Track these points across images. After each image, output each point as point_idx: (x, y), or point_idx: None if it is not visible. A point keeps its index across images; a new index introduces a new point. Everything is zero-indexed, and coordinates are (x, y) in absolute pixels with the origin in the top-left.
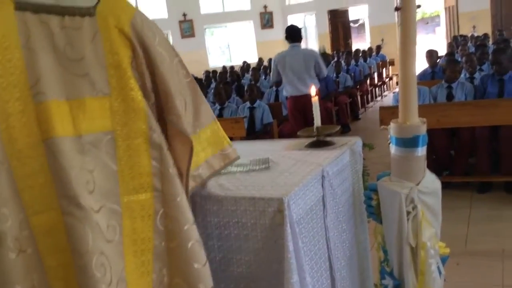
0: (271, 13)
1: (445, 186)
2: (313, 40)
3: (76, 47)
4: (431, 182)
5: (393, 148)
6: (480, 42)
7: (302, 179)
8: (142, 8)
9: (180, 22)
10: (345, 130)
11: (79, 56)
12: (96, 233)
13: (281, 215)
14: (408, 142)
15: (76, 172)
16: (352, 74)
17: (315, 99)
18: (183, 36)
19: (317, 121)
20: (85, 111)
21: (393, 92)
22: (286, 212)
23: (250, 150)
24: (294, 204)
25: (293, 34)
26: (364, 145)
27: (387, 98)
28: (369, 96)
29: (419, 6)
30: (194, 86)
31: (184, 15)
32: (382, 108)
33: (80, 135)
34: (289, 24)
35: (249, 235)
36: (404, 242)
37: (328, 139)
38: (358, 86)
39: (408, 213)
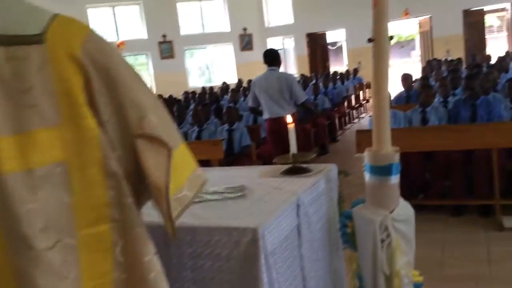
0: (250, 35)
1: (421, 209)
2: (292, 62)
3: (24, 78)
4: (405, 209)
5: (367, 176)
6: (453, 66)
7: (277, 208)
8: (122, 29)
9: (160, 43)
10: (323, 152)
11: (26, 86)
12: (48, 273)
13: (255, 246)
14: (382, 170)
15: (27, 210)
16: (330, 96)
17: (291, 126)
18: (163, 57)
19: (293, 148)
20: (35, 143)
21: (369, 116)
22: (260, 243)
23: (225, 176)
24: (269, 234)
25: (271, 58)
26: (339, 172)
27: (364, 120)
28: (347, 118)
29: (391, 38)
30: (160, 104)
31: (164, 36)
32: (358, 132)
33: (31, 169)
34: (268, 48)
35: (223, 266)
36: (378, 270)
37: (304, 165)
38: (336, 108)
39: (382, 240)
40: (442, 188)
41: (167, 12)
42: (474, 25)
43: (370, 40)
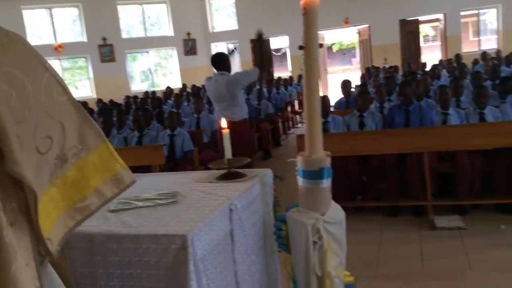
0: (194, 40)
1: (358, 210)
2: (237, 67)
3: None
4: (336, 212)
5: (300, 180)
6: (389, 74)
7: (208, 213)
8: (60, 31)
9: (100, 46)
10: (266, 157)
11: None
12: None
13: (184, 253)
14: (314, 174)
15: None
16: (274, 101)
17: (225, 131)
18: (103, 60)
19: (228, 153)
20: None
21: None
22: (189, 249)
23: (160, 183)
24: (199, 240)
25: (220, 62)
26: (275, 176)
27: None
28: (290, 123)
29: (321, 45)
30: (74, 104)
31: (104, 39)
32: (299, 136)
33: None
34: (214, 52)
35: (152, 274)
36: (311, 272)
37: (240, 170)
38: (279, 113)
39: (315, 243)
40: (378, 190)
41: (108, 15)
42: (410, 34)
43: (301, 47)
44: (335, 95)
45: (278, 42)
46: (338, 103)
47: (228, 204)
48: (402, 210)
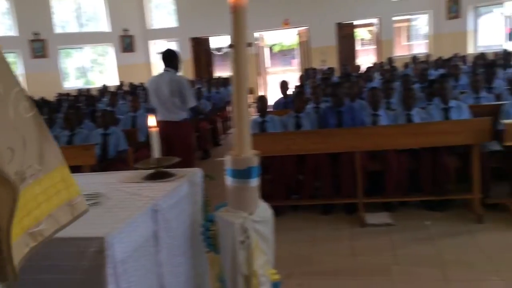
0: (132, 37)
1: (295, 209)
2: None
3: None
4: (264, 211)
5: (229, 180)
6: (325, 75)
7: (131, 214)
8: None
9: (31, 41)
10: (205, 156)
11: None
12: None
13: (102, 256)
14: (242, 174)
15: None
16: (213, 101)
17: (153, 130)
18: (34, 56)
19: (156, 152)
20: None
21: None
22: (108, 252)
23: (84, 184)
24: (119, 243)
25: (167, 59)
26: (205, 175)
27: None
28: (230, 122)
29: (250, 45)
30: (39, 122)
31: (36, 34)
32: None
33: None
34: (168, 48)
35: (67, 280)
36: (238, 271)
37: (168, 170)
38: (218, 113)
39: (242, 242)
40: (314, 189)
41: (41, 8)
42: (346, 37)
43: (230, 46)
44: (275, 95)
45: (220, 41)
46: (277, 103)
47: (152, 205)
48: (335, 208)
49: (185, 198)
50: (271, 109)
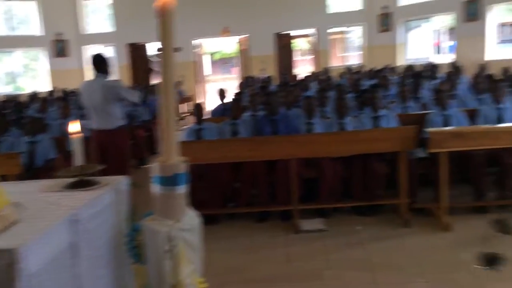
0: (65, 41)
1: (231, 217)
2: (114, 71)
3: None
4: (191, 219)
5: (155, 187)
6: (263, 83)
7: (48, 225)
8: None
9: None
10: (141, 164)
11: None
12: None
13: (13, 269)
14: (169, 181)
15: None
16: (150, 108)
17: (74, 136)
18: None
19: (78, 159)
20: None
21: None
22: (19, 265)
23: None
24: (33, 255)
25: (97, 64)
26: (132, 184)
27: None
28: None
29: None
30: None
31: None
32: None
33: None
34: (97, 52)
35: None
36: (164, 281)
37: (91, 178)
38: (156, 120)
39: (168, 251)
40: (250, 197)
41: None
42: (285, 47)
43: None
44: (215, 103)
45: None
46: (215, 111)
47: (71, 214)
48: (271, 215)
49: (108, 207)
50: (210, 117)
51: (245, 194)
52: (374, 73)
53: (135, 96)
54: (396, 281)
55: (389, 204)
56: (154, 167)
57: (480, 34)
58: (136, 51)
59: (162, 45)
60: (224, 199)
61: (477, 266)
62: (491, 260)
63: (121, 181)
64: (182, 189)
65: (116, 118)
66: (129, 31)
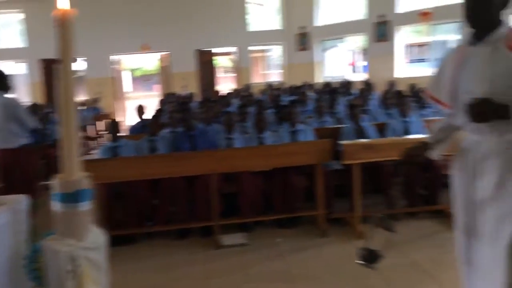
0: None
1: (149, 235)
2: (25, 89)
3: None
4: (96, 237)
5: (56, 205)
6: (184, 100)
7: None
8: None
9: None
10: None
11: None
12: None
13: None
14: (71, 197)
15: None
16: None
17: None
18: None
19: None
20: None
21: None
22: None
23: None
24: None
25: None
26: (33, 203)
27: None
28: (84, 148)
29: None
30: None
31: None
32: (86, 161)
33: None
34: None
35: None
36: None
37: None
38: None
39: (71, 271)
40: (169, 214)
41: None
42: (206, 64)
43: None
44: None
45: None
46: (134, 128)
47: None
48: (192, 232)
49: (4, 227)
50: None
51: (164, 212)
52: (293, 90)
53: (32, 122)
54: None
55: (308, 215)
56: (55, 184)
57: (390, 54)
58: (50, 67)
59: (61, 55)
60: (142, 217)
61: (357, 261)
62: (370, 257)
63: (20, 201)
64: (85, 206)
65: (19, 137)
66: (42, 46)
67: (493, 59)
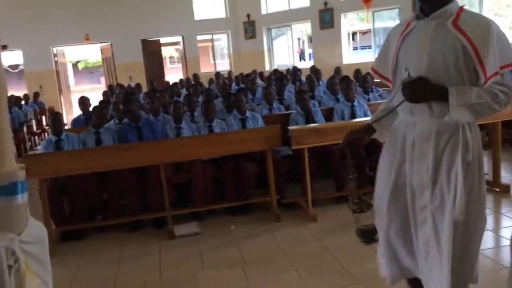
0: None
1: (100, 230)
2: None
3: None
4: (36, 230)
5: None
6: (130, 91)
7: None
8: None
9: None
10: None
11: None
12: None
13: None
14: (6, 190)
15: None
16: None
17: None
18: None
19: None
20: None
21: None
22: None
23: None
24: None
25: None
26: None
27: None
28: (28, 144)
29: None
30: None
31: None
32: (25, 157)
33: None
34: None
35: None
36: None
37: None
38: (13, 135)
39: (11, 267)
40: (119, 207)
41: None
42: (153, 54)
43: None
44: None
45: (15, 58)
46: (77, 120)
47: None
48: (144, 224)
49: None
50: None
51: (113, 205)
52: (242, 78)
53: None
54: (267, 273)
55: (261, 201)
56: None
57: (335, 41)
58: None
59: None
60: (91, 212)
61: (361, 242)
62: (368, 235)
63: None
64: (22, 198)
65: None
66: None
67: (435, 34)
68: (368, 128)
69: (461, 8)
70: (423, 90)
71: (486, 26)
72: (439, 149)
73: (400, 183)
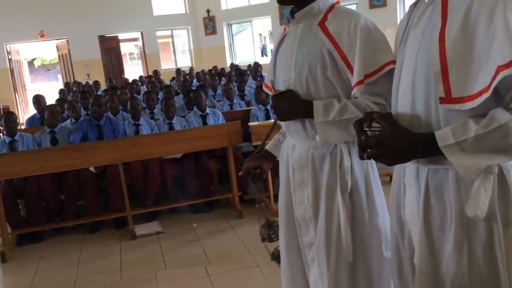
0: None
1: (58, 232)
2: None
3: None
4: None
5: None
6: (86, 89)
7: None
8: None
9: None
10: None
11: None
12: None
13: None
14: None
15: None
16: None
17: None
18: None
19: None
20: None
21: None
22: None
23: None
24: None
25: None
26: None
27: None
28: None
29: None
30: None
31: None
32: None
33: None
34: None
35: None
36: None
37: None
38: None
39: None
40: (78, 208)
41: None
42: (111, 50)
43: None
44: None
45: None
46: (31, 120)
47: None
48: (105, 225)
49: None
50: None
51: (71, 206)
52: (202, 75)
53: None
54: (229, 269)
55: (223, 198)
56: None
57: None
58: None
59: None
60: (49, 213)
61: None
62: (269, 232)
63: None
64: None
65: None
66: None
67: (302, 40)
68: (267, 155)
69: (333, 5)
70: (287, 106)
71: (353, 24)
72: (317, 175)
73: (290, 215)
